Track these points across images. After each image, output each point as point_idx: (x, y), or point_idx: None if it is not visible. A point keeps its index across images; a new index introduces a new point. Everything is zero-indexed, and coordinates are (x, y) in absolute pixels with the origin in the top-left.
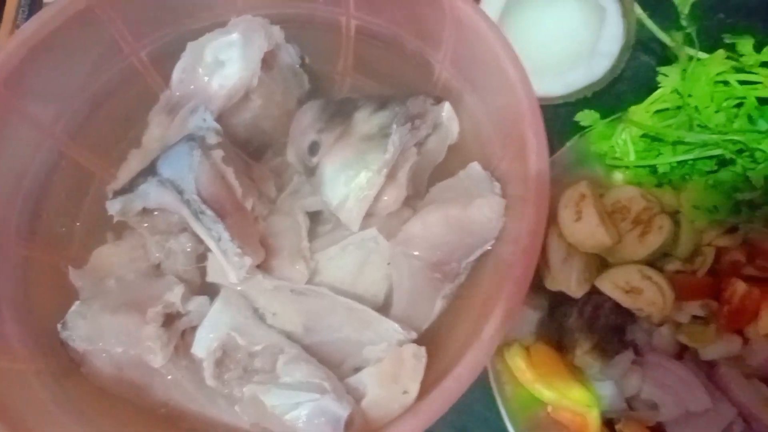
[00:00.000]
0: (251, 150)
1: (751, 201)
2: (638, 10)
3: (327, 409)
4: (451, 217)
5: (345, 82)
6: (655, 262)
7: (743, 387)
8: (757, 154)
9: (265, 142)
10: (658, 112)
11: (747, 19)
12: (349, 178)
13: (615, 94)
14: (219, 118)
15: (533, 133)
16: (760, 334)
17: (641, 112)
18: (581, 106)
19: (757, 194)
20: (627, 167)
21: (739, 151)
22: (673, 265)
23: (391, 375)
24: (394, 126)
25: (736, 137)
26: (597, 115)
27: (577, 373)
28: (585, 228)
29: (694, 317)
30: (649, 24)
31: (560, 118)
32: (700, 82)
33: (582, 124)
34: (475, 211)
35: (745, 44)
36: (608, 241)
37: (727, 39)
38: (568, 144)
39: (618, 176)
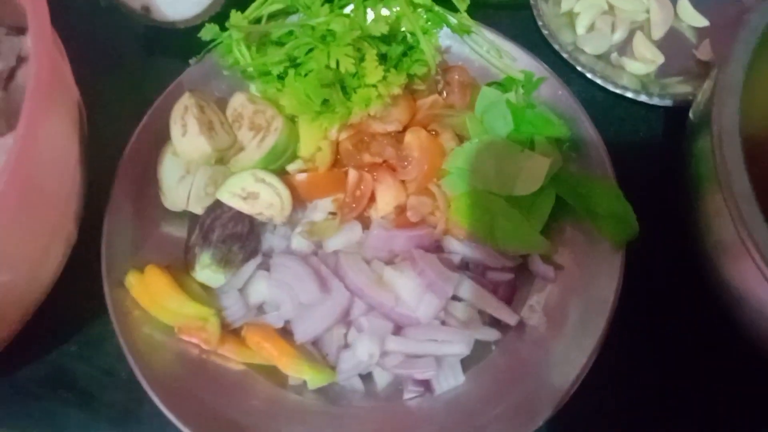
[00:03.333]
0: None
1: (344, 87)
2: None
3: None
4: None
5: None
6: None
7: (356, 270)
8: (329, 39)
9: None
10: (273, 15)
11: None
12: None
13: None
14: None
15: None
16: (378, 217)
17: (239, 16)
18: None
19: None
20: (253, 75)
21: (323, 38)
22: (295, 165)
23: None
24: None
25: (311, 23)
26: (216, 28)
27: (198, 290)
28: (190, 140)
29: (332, 213)
30: None
31: None
32: None
33: (205, 39)
34: None
35: None
36: (209, 149)
37: None
38: (191, 61)
39: (252, 86)
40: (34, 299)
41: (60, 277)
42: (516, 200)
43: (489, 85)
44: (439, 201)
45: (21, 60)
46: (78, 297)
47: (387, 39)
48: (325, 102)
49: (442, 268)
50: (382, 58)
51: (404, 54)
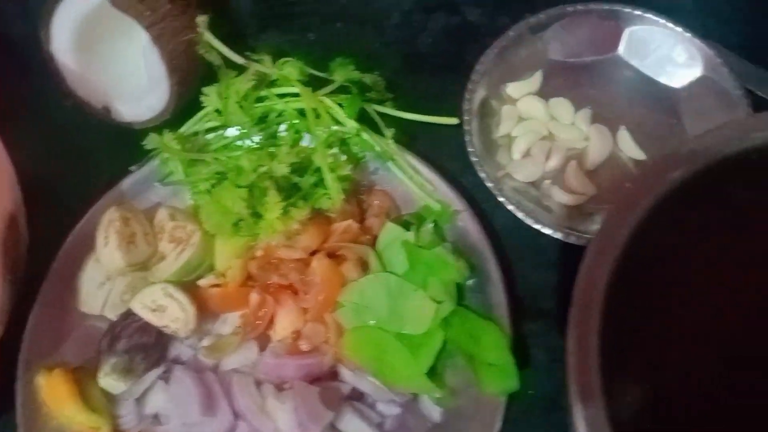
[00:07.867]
0: None
1: (256, 214)
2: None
3: None
4: None
5: None
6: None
7: (245, 393)
8: (239, 169)
9: None
10: (210, 130)
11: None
12: None
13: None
14: None
15: None
16: (275, 340)
17: (170, 136)
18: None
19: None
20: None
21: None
22: (207, 280)
23: None
24: None
25: (220, 155)
26: (157, 138)
27: (99, 394)
28: (109, 252)
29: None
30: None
31: None
32: (231, 99)
33: (147, 147)
34: None
35: (266, 60)
36: (122, 263)
37: (251, 55)
38: (133, 168)
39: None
40: None
41: None
42: (407, 338)
43: (395, 220)
44: (330, 331)
45: None
46: None
47: (300, 170)
48: (237, 223)
49: (317, 405)
50: (294, 187)
51: (316, 185)
